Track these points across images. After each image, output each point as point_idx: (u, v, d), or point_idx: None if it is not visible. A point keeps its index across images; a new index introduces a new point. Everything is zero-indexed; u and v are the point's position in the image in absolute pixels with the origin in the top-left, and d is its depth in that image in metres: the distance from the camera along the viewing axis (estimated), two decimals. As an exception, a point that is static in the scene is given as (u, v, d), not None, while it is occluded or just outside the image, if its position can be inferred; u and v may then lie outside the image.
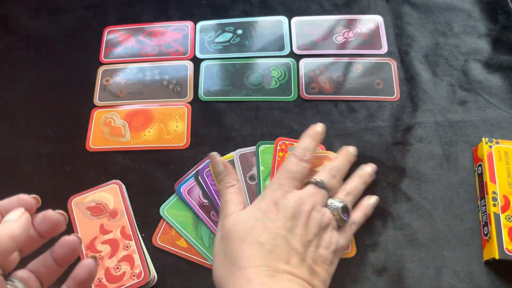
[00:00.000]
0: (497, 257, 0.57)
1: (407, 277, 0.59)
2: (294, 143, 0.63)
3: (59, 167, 0.65)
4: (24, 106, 0.70)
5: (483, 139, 0.64)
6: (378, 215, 0.63)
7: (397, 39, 0.77)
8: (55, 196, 0.63)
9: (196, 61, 0.73)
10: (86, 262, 0.42)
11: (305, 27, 0.75)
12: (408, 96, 0.72)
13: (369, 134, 0.69)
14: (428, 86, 0.72)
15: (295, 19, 0.76)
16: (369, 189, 0.64)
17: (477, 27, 0.78)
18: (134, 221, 0.61)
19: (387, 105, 0.71)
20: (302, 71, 0.72)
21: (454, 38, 0.77)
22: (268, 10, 0.78)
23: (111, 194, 0.61)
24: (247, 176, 0.60)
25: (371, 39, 0.74)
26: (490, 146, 0.64)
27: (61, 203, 0.62)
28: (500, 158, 0.63)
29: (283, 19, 0.75)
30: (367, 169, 0.61)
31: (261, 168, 0.60)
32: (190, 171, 0.64)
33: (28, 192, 0.62)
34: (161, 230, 0.59)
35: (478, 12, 0.80)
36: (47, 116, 0.69)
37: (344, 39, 0.74)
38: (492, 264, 0.60)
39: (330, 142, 0.68)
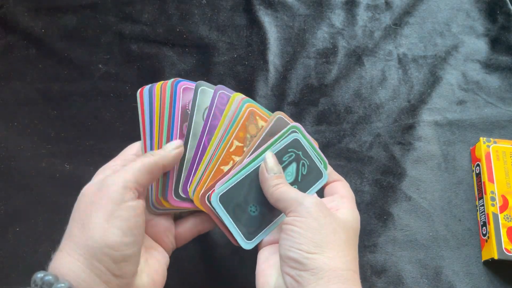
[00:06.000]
0: (496, 257, 0.57)
1: (406, 278, 0.59)
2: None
3: (59, 167, 0.65)
4: (24, 106, 0.70)
5: (481, 138, 0.64)
6: (378, 215, 0.63)
7: (395, 39, 0.77)
8: (56, 195, 0.63)
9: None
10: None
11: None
12: (407, 96, 0.72)
13: (368, 134, 0.69)
14: (427, 86, 0.73)
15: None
16: (369, 189, 0.65)
17: (476, 27, 0.79)
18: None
19: (385, 105, 0.71)
20: None
21: (452, 38, 0.77)
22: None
23: None
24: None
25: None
26: (488, 146, 0.64)
27: (61, 203, 0.63)
28: (498, 158, 0.63)
29: None
30: None
31: None
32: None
33: (27, 192, 0.63)
34: None
35: (477, 12, 0.80)
36: (47, 116, 0.69)
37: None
38: (491, 264, 0.60)
39: (328, 143, 0.68)
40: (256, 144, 0.50)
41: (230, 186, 0.47)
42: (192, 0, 0.80)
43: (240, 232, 0.47)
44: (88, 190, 0.43)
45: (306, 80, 0.73)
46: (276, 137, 0.50)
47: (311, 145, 0.52)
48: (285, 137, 0.51)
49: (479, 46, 0.77)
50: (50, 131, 0.68)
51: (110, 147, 0.66)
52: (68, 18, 0.77)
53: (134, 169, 0.43)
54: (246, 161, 0.49)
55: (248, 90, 0.72)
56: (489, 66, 0.75)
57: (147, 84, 0.51)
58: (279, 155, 0.49)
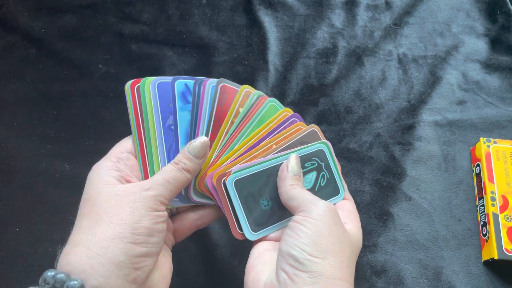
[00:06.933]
0: (496, 257, 0.57)
1: (406, 278, 0.59)
2: None
3: (59, 167, 0.65)
4: (24, 106, 0.70)
5: (481, 138, 0.64)
6: (378, 215, 0.63)
7: (395, 39, 0.77)
8: (56, 194, 0.63)
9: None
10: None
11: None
12: (407, 96, 0.72)
13: (368, 134, 0.69)
14: (427, 86, 0.73)
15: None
16: (369, 189, 0.65)
17: (476, 27, 0.79)
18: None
19: (385, 105, 0.71)
20: None
21: (452, 38, 0.77)
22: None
23: None
24: None
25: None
26: (488, 146, 0.64)
27: (62, 201, 0.63)
28: (498, 158, 0.63)
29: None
30: None
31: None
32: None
33: (27, 192, 0.63)
34: None
35: (477, 12, 0.80)
36: (47, 116, 0.69)
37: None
38: (491, 264, 0.60)
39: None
40: (284, 146, 0.51)
41: (248, 174, 0.48)
42: (192, 0, 0.80)
43: (247, 221, 0.48)
44: (118, 191, 0.43)
45: (306, 80, 0.73)
46: (304, 146, 0.52)
47: (334, 163, 0.53)
48: (314, 145, 0.52)
49: (479, 46, 0.77)
50: (50, 131, 0.68)
51: (110, 147, 0.66)
52: (68, 18, 0.77)
53: (171, 185, 0.45)
54: (270, 156, 0.50)
55: (248, 90, 0.72)
56: (489, 66, 0.75)
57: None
58: (303, 160, 0.50)
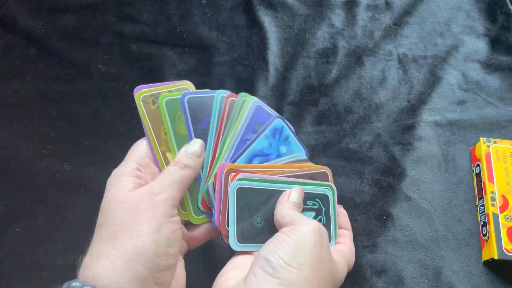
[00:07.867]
0: (496, 257, 0.57)
1: (406, 278, 0.59)
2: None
3: (59, 167, 0.65)
4: (24, 106, 0.70)
5: (481, 138, 0.64)
6: (377, 215, 0.63)
7: (395, 39, 0.77)
8: (56, 195, 0.63)
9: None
10: None
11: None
12: (407, 96, 0.72)
13: (368, 134, 0.69)
14: (427, 86, 0.73)
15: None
16: (369, 190, 0.65)
17: (476, 27, 0.79)
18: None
19: (385, 105, 0.71)
20: None
21: (452, 38, 0.77)
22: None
23: None
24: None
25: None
26: (488, 146, 0.64)
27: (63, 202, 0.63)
28: (498, 158, 0.63)
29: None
30: None
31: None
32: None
33: (27, 192, 0.63)
34: None
35: (477, 12, 0.80)
36: (47, 116, 0.69)
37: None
38: (491, 264, 0.60)
39: (328, 143, 0.68)
40: (294, 174, 0.52)
41: (252, 187, 0.48)
42: (192, 0, 0.80)
43: (235, 230, 0.47)
44: (130, 198, 0.43)
45: (306, 80, 0.73)
46: (312, 182, 0.52)
47: (334, 211, 0.53)
48: (320, 187, 0.52)
49: (479, 46, 0.77)
50: (50, 131, 0.68)
51: (110, 147, 0.66)
52: (68, 18, 0.77)
53: (178, 184, 0.45)
54: (278, 177, 0.50)
55: (248, 90, 0.71)
56: (489, 66, 0.75)
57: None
58: (306, 197, 0.50)
